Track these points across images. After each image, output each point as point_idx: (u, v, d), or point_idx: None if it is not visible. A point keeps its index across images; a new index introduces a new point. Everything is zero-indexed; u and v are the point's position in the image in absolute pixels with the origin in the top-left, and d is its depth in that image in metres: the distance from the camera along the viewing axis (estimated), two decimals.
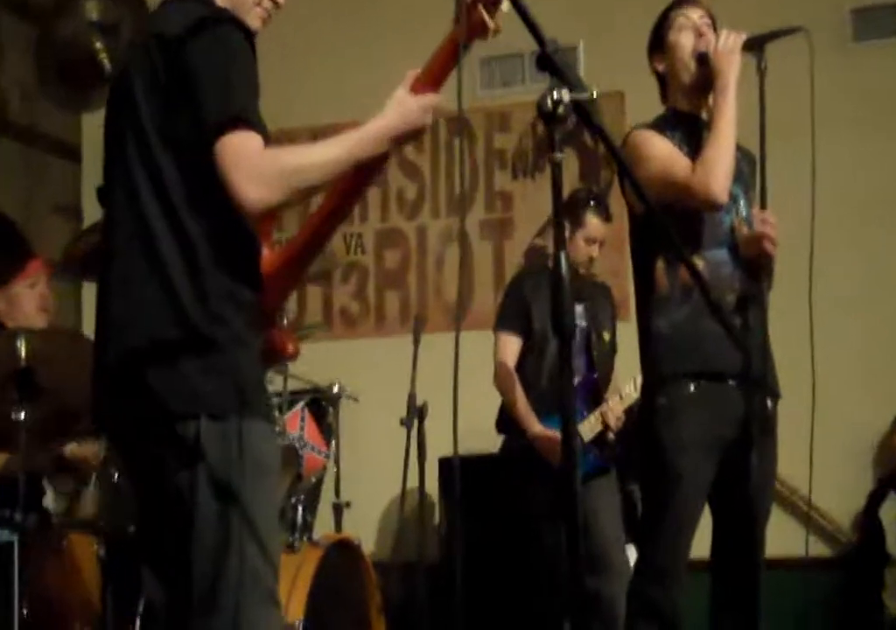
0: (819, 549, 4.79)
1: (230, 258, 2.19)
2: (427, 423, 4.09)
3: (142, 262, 2.18)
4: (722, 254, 3.02)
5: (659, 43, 3.16)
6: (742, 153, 3.08)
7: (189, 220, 2.16)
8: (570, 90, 1.67)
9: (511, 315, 4.34)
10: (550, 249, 4.55)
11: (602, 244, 4.28)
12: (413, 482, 4.04)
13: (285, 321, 3.89)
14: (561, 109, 1.67)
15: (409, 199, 5.75)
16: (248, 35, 2.20)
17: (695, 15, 3.11)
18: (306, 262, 2.42)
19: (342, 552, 3.44)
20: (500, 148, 5.63)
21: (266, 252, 2.36)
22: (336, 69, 5.65)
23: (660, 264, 3.03)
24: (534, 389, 4.25)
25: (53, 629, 3.13)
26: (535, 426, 4.15)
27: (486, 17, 2.04)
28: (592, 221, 4.23)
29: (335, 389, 4.19)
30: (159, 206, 2.17)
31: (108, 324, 2.25)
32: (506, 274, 5.40)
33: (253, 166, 2.07)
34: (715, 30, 3.11)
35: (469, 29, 2.06)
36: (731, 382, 2.97)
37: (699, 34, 3.08)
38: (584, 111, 1.68)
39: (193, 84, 2.12)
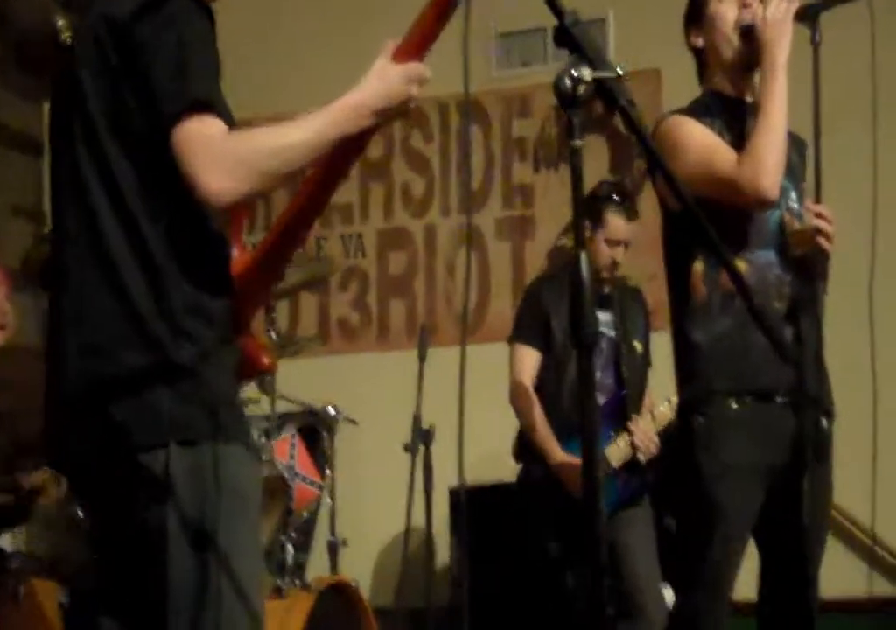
0: (884, 587, 4.76)
1: (195, 265, 2.18)
2: (434, 448, 4.10)
3: (95, 275, 2.18)
4: (769, 255, 3.02)
5: (697, 14, 3.15)
6: (792, 139, 3.07)
7: (146, 223, 2.15)
8: (593, 68, 1.66)
9: (528, 326, 4.34)
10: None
11: (628, 245, 4.27)
12: (419, 516, 4.04)
13: (273, 334, 3.97)
14: (582, 90, 1.66)
15: (417, 194, 5.76)
16: (207, 10, 2.19)
17: None
18: (281, 263, 2.41)
19: (337, 597, 3.46)
20: (519, 136, 5.64)
21: (237, 253, 2.36)
22: (317, 57, 5.68)
23: (697, 268, 3.03)
24: (555, 410, 4.25)
25: None
26: (557, 452, 4.17)
27: None
28: (614, 220, 4.22)
29: (331, 412, 4.17)
30: (111, 207, 2.17)
31: (60, 347, 2.24)
32: (526, 279, 5.39)
33: (215, 154, 2.07)
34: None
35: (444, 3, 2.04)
36: (779, 400, 2.96)
37: (744, 4, 3.07)
38: (608, 92, 1.67)
39: (146, 68, 2.12)
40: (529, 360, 4.28)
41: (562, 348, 4.26)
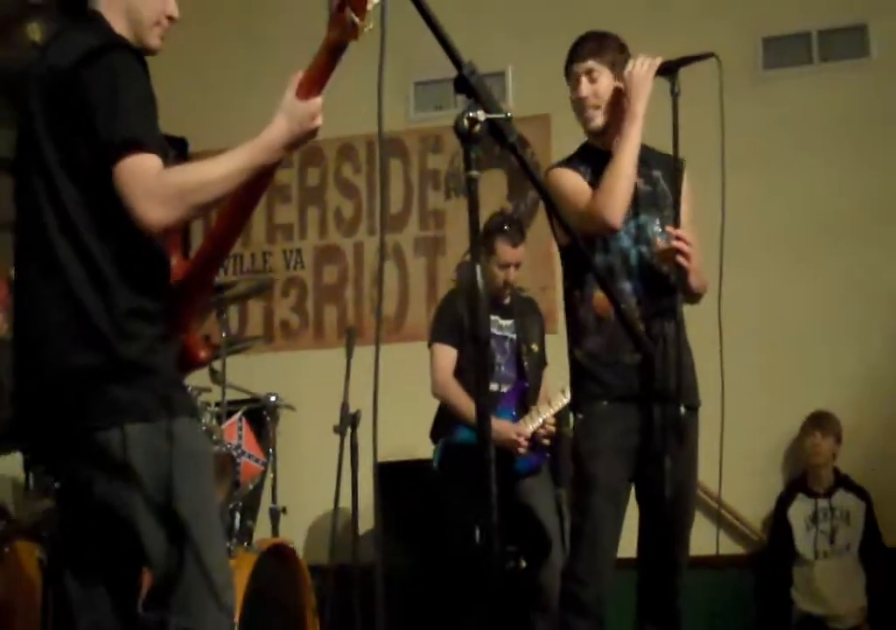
0: (732, 548, 4.81)
1: (137, 275, 2.19)
2: (361, 430, 4.06)
3: (52, 287, 2.17)
4: (630, 286, 3.04)
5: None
6: (652, 183, 3.10)
7: (94, 243, 2.15)
8: (486, 111, 1.66)
9: (445, 329, 4.32)
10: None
11: (518, 266, 4.28)
12: (348, 487, 4.01)
13: (224, 334, 3.92)
14: (477, 129, 1.66)
15: (347, 216, 5.72)
16: (140, 57, 2.20)
17: (581, 69, 3.09)
18: (214, 269, 2.45)
19: (277, 556, 3.41)
20: (433, 168, 5.62)
21: (177, 261, 2.36)
22: (239, 93, 5.60)
23: (576, 293, 3.08)
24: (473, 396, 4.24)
25: None
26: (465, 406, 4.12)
27: (354, 18, 1.97)
28: (502, 248, 4.20)
29: (273, 399, 4.13)
30: (63, 231, 2.16)
31: (24, 347, 2.23)
32: (439, 289, 5.40)
33: (150, 188, 2.07)
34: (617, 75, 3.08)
35: (340, 31, 2.03)
36: (633, 402, 3.03)
37: (577, 97, 3.09)
38: (499, 131, 1.67)
39: (88, 113, 2.12)
40: (448, 356, 4.25)
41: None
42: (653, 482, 2.96)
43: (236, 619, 2.97)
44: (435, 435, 4.37)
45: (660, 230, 3.07)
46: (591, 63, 3.08)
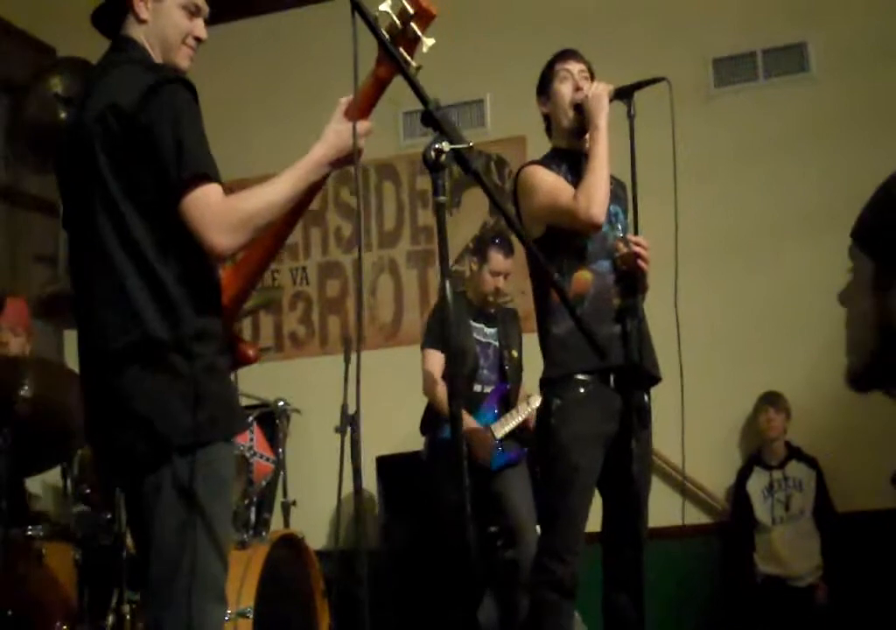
0: (698, 518, 4.82)
1: (199, 296, 2.13)
2: (362, 429, 4.05)
3: (119, 308, 2.10)
4: (607, 265, 3.04)
5: (544, 89, 3.19)
6: (616, 181, 3.12)
7: (160, 267, 2.09)
8: (450, 141, 1.67)
9: (434, 335, 4.32)
10: (465, 274, 4.58)
11: (507, 276, 4.29)
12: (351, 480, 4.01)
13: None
14: (443, 158, 1.67)
15: (345, 235, 5.71)
16: (191, 88, 2.15)
17: (575, 68, 3.14)
18: (260, 277, 2.39)
19: (287, 545, 3.39)
20: (422, 189, 5.60)
21: (222, 276, 2.29)
22: (243, 126, 5.59)
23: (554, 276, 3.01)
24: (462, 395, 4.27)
25: (36, 626, 3.03)
26: (468, 419, 4.14)
27: (407, 57, 1.93)
28: (496, 257, 4.25)
29: (280, 404, 4.13)
30: (128, 256, 2.10)
31: (89, 364, 2.18)
32: (430, 297, 5.40)
33: (218, 218, 2.04)
34: (592, 80, 3.14)
35: (388, 68, 2.01)
36: (611, 380, 2.98)
37: (577, 87, 3.11)
38: (462, 159, 1.68)
39: (152, 149, 2.07)
40: (437, 359, 4.21)
41: (463, 348, 4.28)
42: (619, 462, 2.94)
43: (252, 602, 3.00)
44: (424, 429, 4.38)
45: (623, 228, 3.09)
46: (584, 66, 3.13)
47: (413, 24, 1.89)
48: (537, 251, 1.86)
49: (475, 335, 4.33)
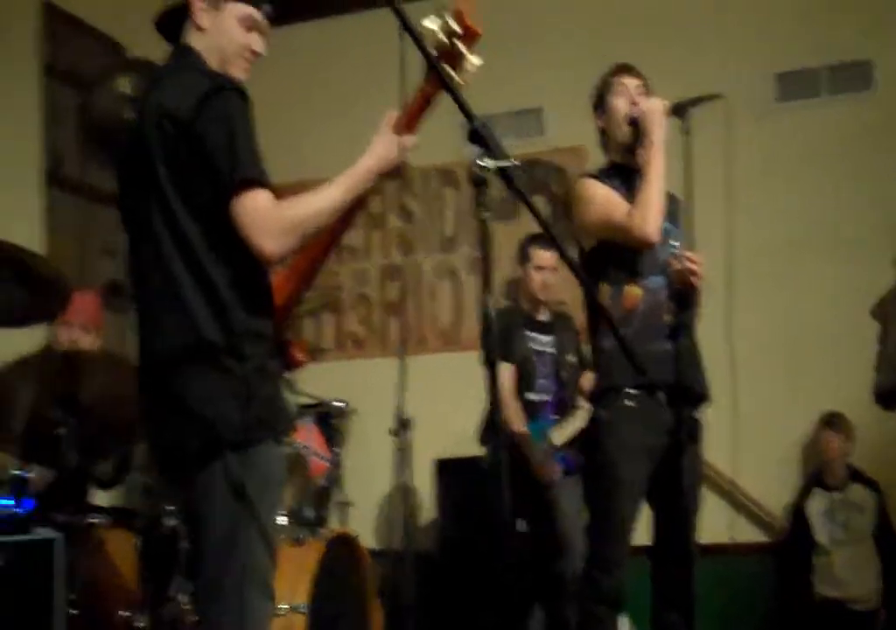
0: (753, 536, 4.79)
1: (250, 298, 2.18)
2: (419, 430, 4.12)
3: (173, 308, 2.16)
4: (659, 281, 3.05)
5: (600, 103, 3.21)
6: (670, 197, 3.12)
7: (212, 270, 2.14)
8: (494, 158, 1.70)
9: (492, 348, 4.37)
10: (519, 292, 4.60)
11: (554, 270, 4.32)
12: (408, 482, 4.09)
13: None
14: (487, 174, 1.70)
15: (407, 239, 5.79)
16: (245, 96, 2.20)
17: (631, 83, 3.15)
18: (310, 282, 2.43)
19: (342, 544, 3.41)
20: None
21: (274, 279, 2.34)
22: (328, 131, 5.68)
23: (604, 291, 3.05)
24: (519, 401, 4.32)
25: (98, 612, 3.10)
26: (521, 428, 4.23)
27: (452, 74, 2.00)
28: (537, 252, 4.31)
29: (339, 404, 4.21)
30: (182, 258, 2.16)
31: (145, 363, 2.24)
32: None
33: (267, 223, 2.09)
34: (649, 96, 3.15)
35: (436, 84, 2.06)
36: (660, 395, 2.99)
37: (633, 102, 3.13)
38: (506, 176, 1.71)
39: (206, 154, 2.13)
40: (505, 371, 4.24)
41: (518, 361, 4.33)
42: (668, 477, 2.95)
43: (306, 599, 3.07)
44: (484, 438, 4.41)
45: (676, 246, 3.09)
46: (641, 81, 3.15)
47: (458, 42, 1.94)
48: (580, 269, 1.89)
49: (530, 345, 4.37)
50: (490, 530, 4.41)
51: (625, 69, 3.20)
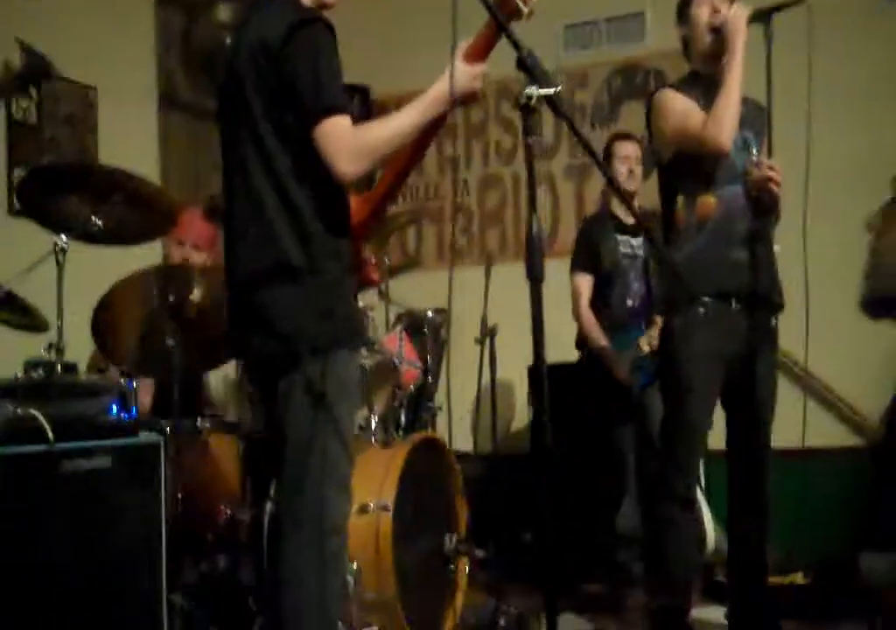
0: (852, 440, 4.80)
1: (329, 218, 2.33)
2: (515, 336, 4.19)
3: (258, 226, 2.32)
4: (736, 189, 3.06)
5: (683, 13, 3.21)
6: (754, 104, 3.11)
7: (295, 191, 2.29)
8: (540, 86, 1.75)
9: (582, 258, 4.48)
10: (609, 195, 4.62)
11: (637, 160, 4.42)
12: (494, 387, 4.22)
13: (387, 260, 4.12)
14: (533, 102, 1.76)
15: (506, 148, 5.81)
16: (331, 29, 2.31)
17: None
18: (385, 206, 2.57)
19: (429, 446, 3.53)
20: (579, 102, 5.63)
21: (353, 200, 2.49)
22: (414, 42, 5.69)
23: (679, 202, 3.10)
24: (606, 313, 4.41)
25: (203, 509, 3.30)
26: (600, 342, 4.30)
27: (519, 3, 2.06)
28: (618, 144, 4.45)
29: (429, 314, 4.32)
30: (267, 179, 2.31)
31: (232, 277, 2.42)
32: (586, 210, 5.46)
33: (346, 145, 2.21)
34: (732, 2, 3.11)
35: (506, 12, 2.10)
36: (734, 304, 3.02)
37: (714, 10, 3.10)
38: (552, 102, 1.77)
39: (292, 82, 2.25)
40: (585, 283, 4.43)
41: (609, 268, 4.39)
42: (743, 383, 3.00)
43: (392, 498, 3.23)
44: (578, 344, 4.54)
45: (755, 154, 3.08)
46: None
47: None
48: (618, 189, 1.93)
49: (622, 249, 4.42)
50: (581, 433, 4.56)
51: None
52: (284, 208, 2.29)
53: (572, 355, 4.58)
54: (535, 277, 1.74)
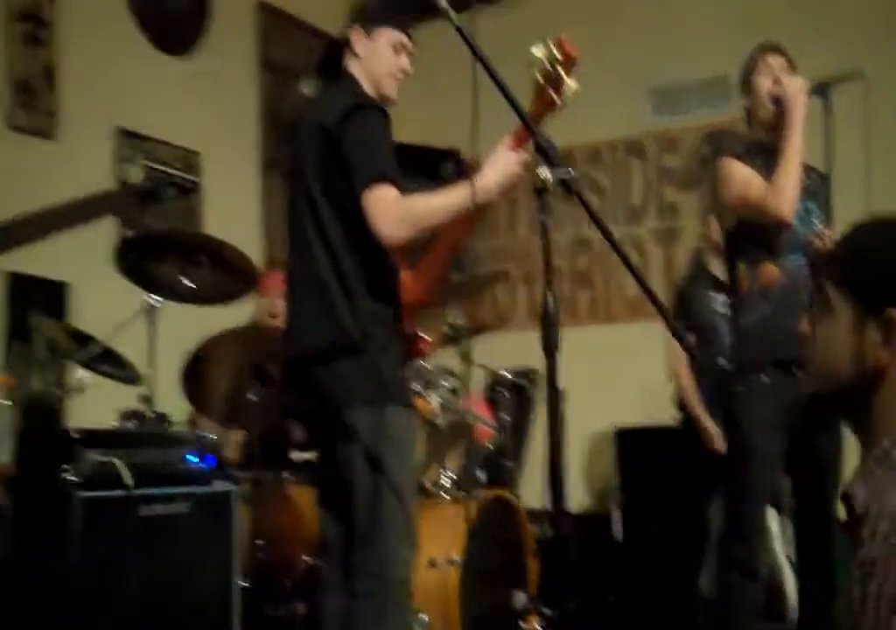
0: None
1: (376, 286, 2.51)
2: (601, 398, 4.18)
3: (311, 289, 2.53)
4: (799, 259, 3.10)
5: (746, 83, 3.25)
6: (817, 174, 3.15)
7: (345, 257, 2.49)
8: (552, 168, 1.85)
9: (678, 317, 4.45)
10: (706, 252, 4.61)
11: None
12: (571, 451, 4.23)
13: (457, 322, 4.22)
14: (548, 183, 1.86)
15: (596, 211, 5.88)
16: (384, 113, 2.52)
17: (775, 62, 3.18)
18: (437, 282, 2.75)
19: (499, 503, 3.58)
20: (668, 166, 5.70)
21: (405, 274, 2.68)
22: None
23: (741, 268, 3.14)
24: (704, 374, 4.38)
25: (283, 556, 3.46)
26: (702, 417, 4.31)
27: (554, 96, 2.26)
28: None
29: (507, 375, 4.41)
30: (322, 245, 2.52)
31: (289, 336, 2.61)
32: (674, 274, 5.48)
33: (390, 213, 2.39)
34: (793, 73, 3.17)
35: (543, 106, 2.31)
36: (797, 372, 3.00)
37: (776, 80, 3.16)
38: (566, 185, 1.86)
39: (347, 157, 2.46)
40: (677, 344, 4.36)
41: (707, 328, 4.37)
42: (806, 452, 3.03)
43: (461, 554, 3.30)
44: (680, 405, 4.52)
45: (818, 224, 3.12)
46: (785, 59, 3.19)
47: (560, 68, 2.14)
48: (633, 266, 2.01)
49: (716, 308, 4.41)
50: (669, 500, 4.49)
51: (769, 48, 3.22)
52: (336, 276, 2.48)
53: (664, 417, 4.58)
54: (549, 348, 1.80)
